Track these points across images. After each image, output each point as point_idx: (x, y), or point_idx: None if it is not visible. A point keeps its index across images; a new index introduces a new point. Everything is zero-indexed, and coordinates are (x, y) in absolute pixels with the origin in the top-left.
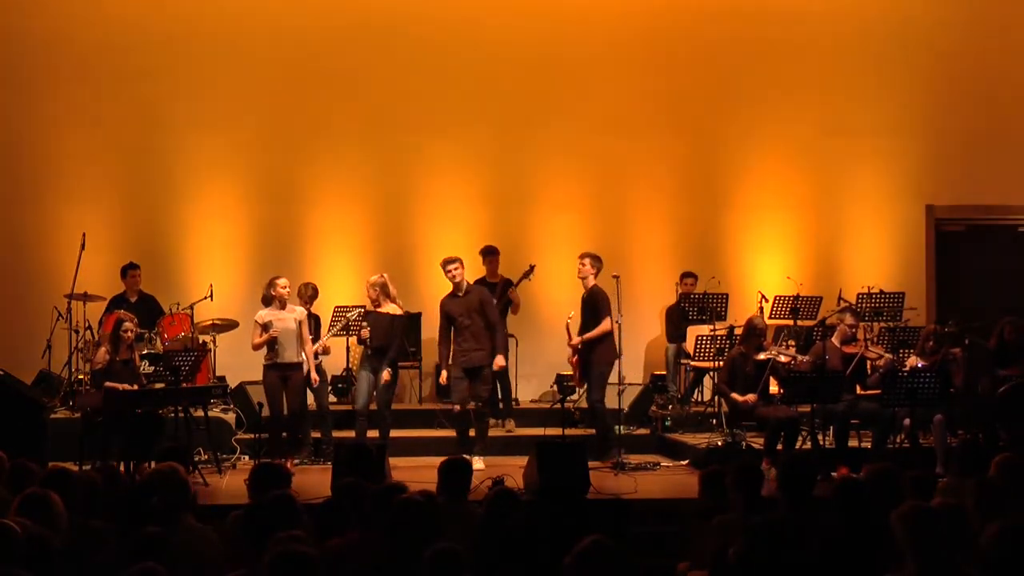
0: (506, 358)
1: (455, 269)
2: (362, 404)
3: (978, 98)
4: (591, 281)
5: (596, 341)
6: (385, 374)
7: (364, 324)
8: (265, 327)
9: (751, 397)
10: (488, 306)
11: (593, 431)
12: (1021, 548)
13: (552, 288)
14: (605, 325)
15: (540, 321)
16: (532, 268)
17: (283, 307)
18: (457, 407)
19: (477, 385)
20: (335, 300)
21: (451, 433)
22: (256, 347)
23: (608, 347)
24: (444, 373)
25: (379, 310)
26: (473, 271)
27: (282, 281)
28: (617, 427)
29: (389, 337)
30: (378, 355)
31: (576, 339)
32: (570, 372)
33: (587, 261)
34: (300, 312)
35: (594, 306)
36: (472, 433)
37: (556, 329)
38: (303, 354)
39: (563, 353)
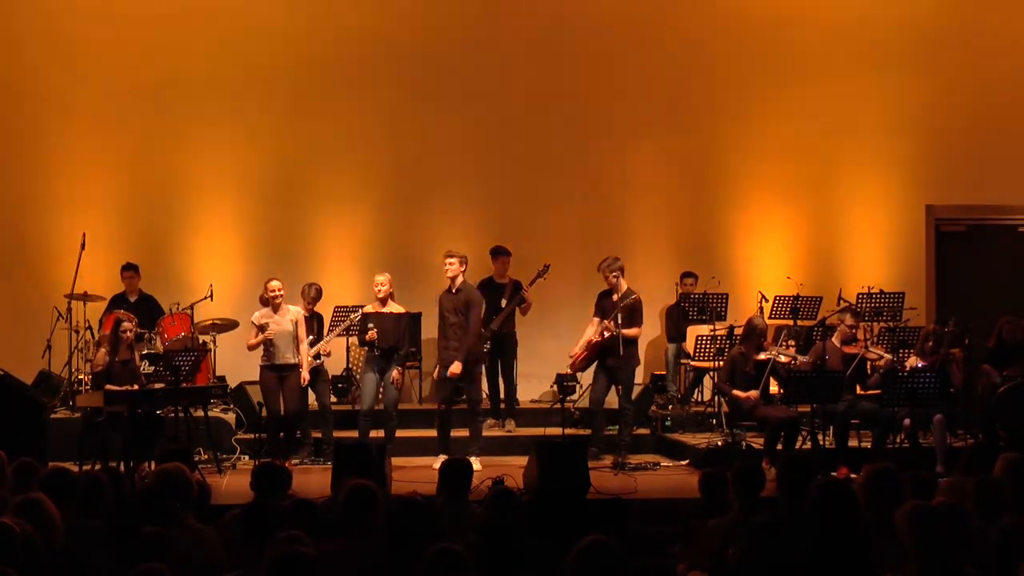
0: (481, 365)
1: (449, 264)
2: (368, 405)
3: (978, 98)
4: (623, 285)
5: (626, 344)
6: (395, 373)
7: (369, 326)
8: (261, 328)
9: (753, 394)
10: (472, 308)
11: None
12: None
13: (552, 288)
14: (640, 331)
15: (541, 321)
16: (547, 268)
17: (276, 310)
18: (442, 406)
19: (466, 386)
20: (336, 300)
21: (454, 433)
22: (251, 348)
23: (636, 352)
24: (437, 369)
25: (384, 310)
26: (481, 270)
27: (273, 284)
28: (616, 427)
29: (397, 337)
30: (386, 356)
31: (611, 324)
32: (569, 372)
33: (608, 274)
34: (295, 312)
35: (632, 311)
36: (468, 433)
37: (556, 329)
38: (299, 354)
39: (563, 353)
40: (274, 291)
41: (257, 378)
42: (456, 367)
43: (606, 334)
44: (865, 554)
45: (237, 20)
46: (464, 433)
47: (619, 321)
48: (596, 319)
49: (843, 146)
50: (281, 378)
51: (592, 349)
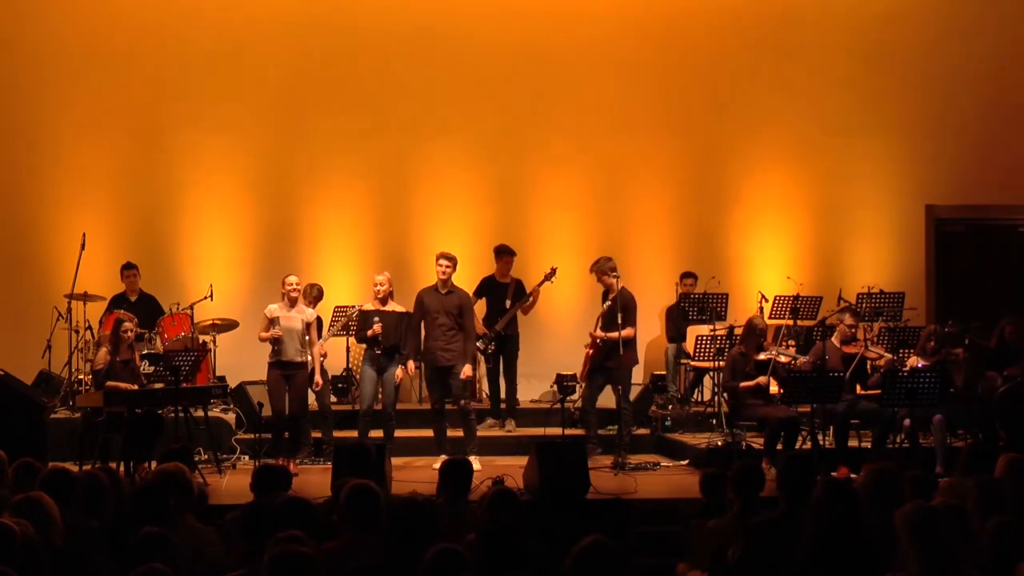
0: (474, 367)
1: (446, 266)
2: (367, 405)
3: (978, 98)
4: (617, 284)
5: (625, 344)
6: (399, 372)
7: (375, 320)
8: (272, 322)
9: (762, 379)
10: (468, 312)
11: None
12: (1018, 544)
13: (551, 288)
14: (632, 331)
15: (540, 321)
16: (554, 271)
17: (293, 306)
18: (436, 406)
19: (454, 386)
20: (335, 300)
21: (454, 433)
22: (262, 339)
23: (633, 352)
24: (411, 364)
25: (386, 308)
26: (482, 269)
27: (290, 280)
28: (616, 427)
29: (399, 336)
30: (387, 354)
31: (599, 333)
32: (570, 372)
33: (600, 275)
34: (309, 314)
35: (624, 309)
36: (463, 433)
37: (556, 329)
38: (307, 355)
39: (563, 353)
40: (290, 285)
41: (256, 377)
42: (468, 370)
43: (598, 342)
44: (866, 554)
45: (237, 21)
46: (460, 433)
47: (600, 325)
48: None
49: (843, 146)
50: (287, 376)
51: (590, 361)
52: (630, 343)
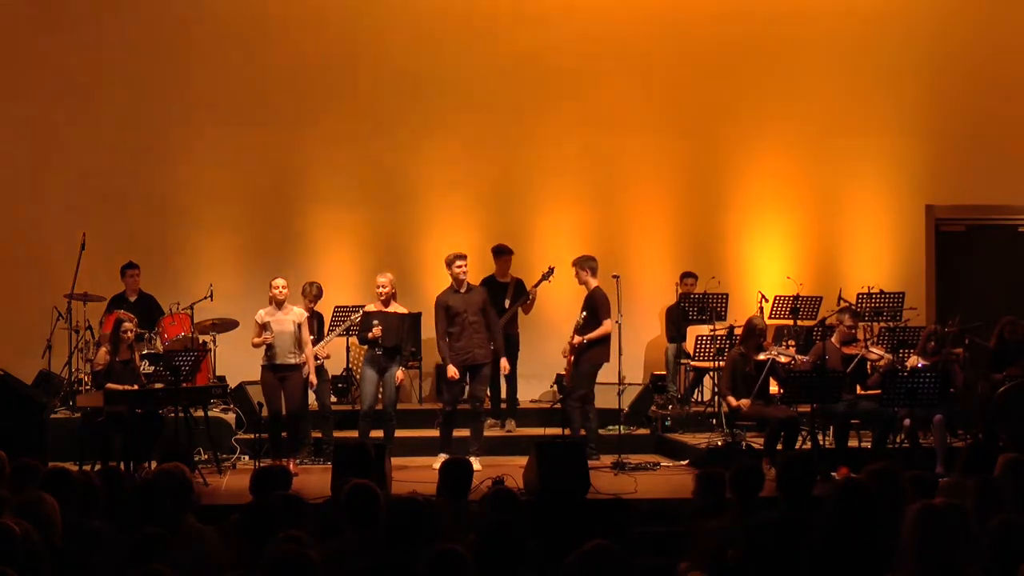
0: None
1: (465, 265)
2: (368, 405)
3: (978, 98)
4: (592, 283)
5: (594, 343)
6: (400, 373)
7: (375, 323)
8: (264, 327)
9: (744, 402)
10: (490, 306)
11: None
12: (1018, 544)
13: (551, 288)
14: (605, 327)
15: (540, 321)
16: (551, 270)
17: (280, 308)
18: (448, 408)
19: (475, 385)
20: (335, 300)
21: (458, 433)
22: (255, 346)
23: (601, 349)
24: (452, 369)
25: (387, 309)
26: (481, 269)
27: (278, 282)
28: (617, 427)
29: (399, 337)
30: (388, 354)
31: (577, 338)
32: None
33: (580, 270)
34: (299, 314)
35: (593, 308)
36: (469, 433)
37: (556, 330)
38: (302, 356)
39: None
40: (277, 288)
41: (257, 377)
42: (506, 364)
43: (575, 347)
44: (870, 555)
45: (238, 19)
46: (464, 433)
47: (577, 329)
48: None
49: (843, 146)
50: (281, 378)
51: (572, 366)
52: (600, 341)
